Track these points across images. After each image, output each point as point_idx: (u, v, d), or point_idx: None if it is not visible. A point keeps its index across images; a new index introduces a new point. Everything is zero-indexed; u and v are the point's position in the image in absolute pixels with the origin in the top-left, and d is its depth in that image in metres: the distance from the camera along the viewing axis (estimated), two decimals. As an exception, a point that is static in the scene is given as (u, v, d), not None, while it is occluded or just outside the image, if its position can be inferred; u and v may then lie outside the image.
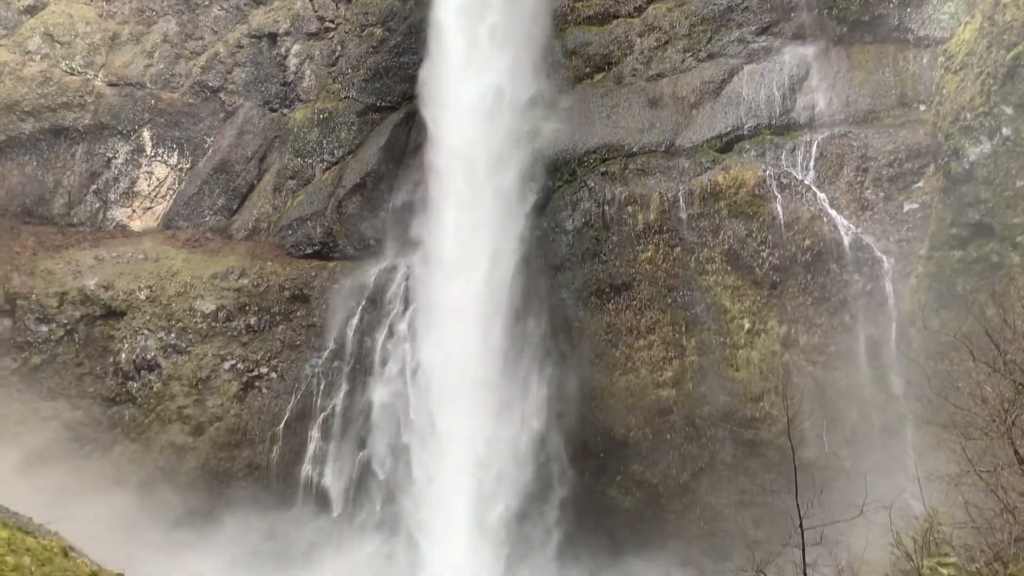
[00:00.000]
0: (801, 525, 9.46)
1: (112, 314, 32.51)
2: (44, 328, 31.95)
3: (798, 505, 9.69)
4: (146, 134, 35.97)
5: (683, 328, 29.54)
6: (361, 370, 31.23)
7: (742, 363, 28.75)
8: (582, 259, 31.42)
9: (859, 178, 28.29)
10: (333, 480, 29.90)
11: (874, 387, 25.96)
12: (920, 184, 27.19)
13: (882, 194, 27.77)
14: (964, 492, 9.91)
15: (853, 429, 25.87)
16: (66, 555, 15.50)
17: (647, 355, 29.77)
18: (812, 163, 29.13)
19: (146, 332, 32.19)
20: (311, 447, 30.46)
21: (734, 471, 27.94)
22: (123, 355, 31.90)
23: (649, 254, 30.61)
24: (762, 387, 28.09)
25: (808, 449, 24.21)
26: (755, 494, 25.64)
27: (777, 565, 9.44)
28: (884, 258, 26.44)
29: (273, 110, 36.23)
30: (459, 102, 31.13)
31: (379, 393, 30.62)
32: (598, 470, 29.16)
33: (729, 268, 29.62)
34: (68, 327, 32.04)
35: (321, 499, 29.92)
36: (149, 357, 31.88)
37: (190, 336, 32.19)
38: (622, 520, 28.65)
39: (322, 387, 31.07)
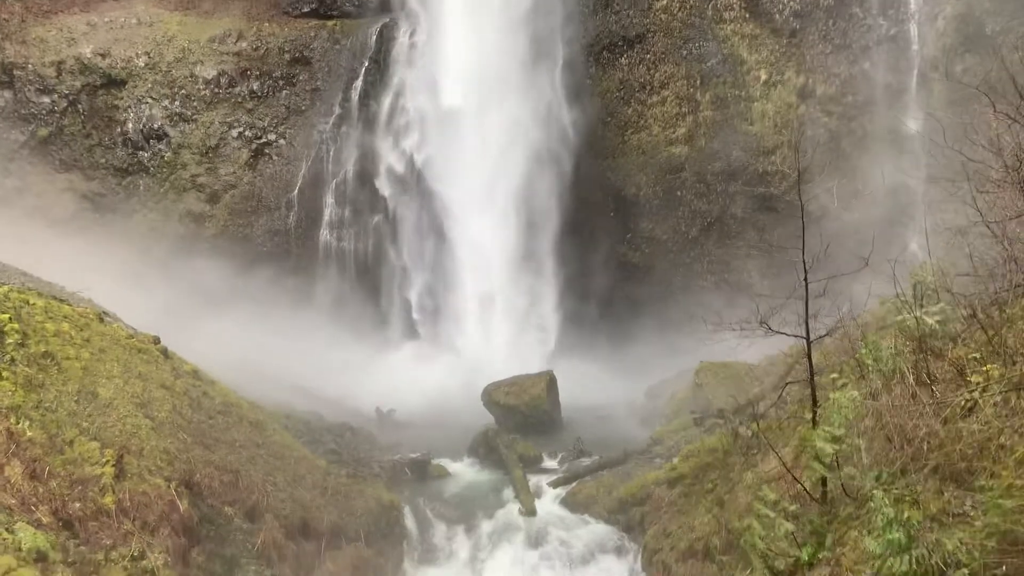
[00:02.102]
0: (806, 278, 9.72)
1: (113, 83, 31.90)
2: (46, 99, 31.50)
3: (804, 259, 9.90)
4: None
5: (698, 82, 28.73)
6: (369, 133, 30.94)
7: (757, 117, 28.24)
8: (593, 10, 29.96)
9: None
10: (351, 244, 30.66)
11: (888, 139, 25.62)
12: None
13: (914, -74, 25.74)
14: (970, 243, 10.08)
15: (864, 182, 25.88)
16: (101, 320, 16.35)
17: (660, 111, 29.22)
18: None
19: (150, 100, 31.74)
20: (327, 213, 30.92)
21: (743, 225, 28.39)
22: (130, 125, 31.68)
23: (664, 2, 29.11)
24: (775, 141, 27.79)
25: (817, 203, 24.40)
26: (763, 248, 26.21)
27: (781, 316, 9.85)
28: (912, -1, 25.02)
29: None
30: None
31: (388, 157, 30.56)
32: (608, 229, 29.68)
33: (748, 16, 28.26)
34: (70, 97, 31.57)
35: (341, 262, 30.85)
36: (156, 126, 31.68)
37: (194, 103, 31.74)
38: (630, 276, 29.60)
39: (332, 153, 30.97)
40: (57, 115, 31.54)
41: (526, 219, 29.29)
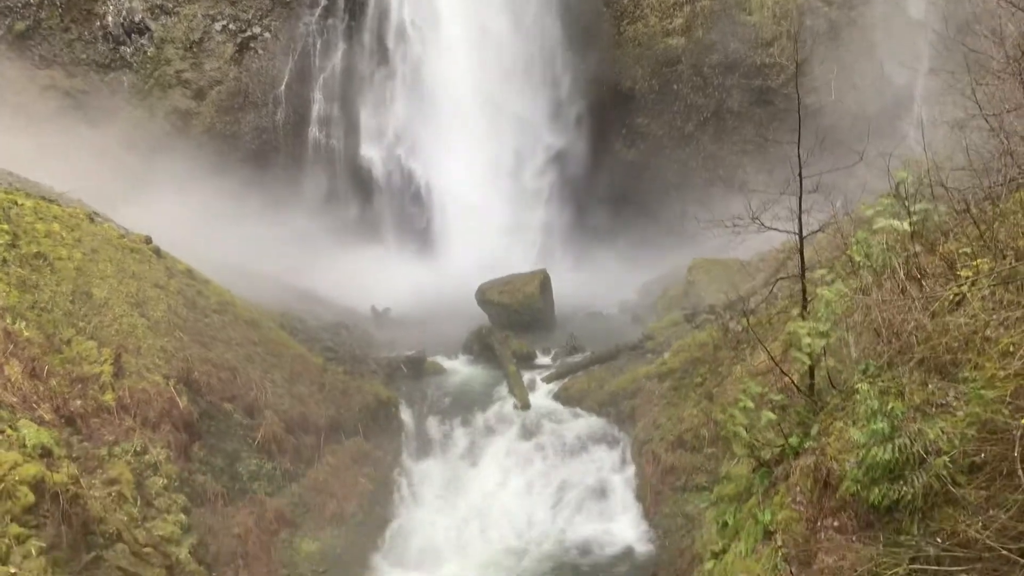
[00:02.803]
0: (800, 173, 9.65)
1: (88, -27, 30.62)
2: (20, -9, 30.30)
3: (799, 153, 9.81)
4: None
5: (696, -31, 27.74)
6: (356, 28, 30.01)
7: (755, 7, 27.42)
8: None
9: None
10: (340, 142, 30.14)
11: (889, 30, 24.97)
12: None
13: None
14: (967, 137, 9.96)
15: (862, 74, 25.37)
16: (92, 221, 16.24)
17: (657, 0, 28.33)
18: None
19: (128, -8, 30.55)
20: (315, 109, 30.27)
21: (739, 120, 27.95)
22: (109, 18, 30.57)
23: None
24: (774, 32, 27.07)
25: (815, 96, 23.99)
26: (758, 143, 25.90)
27: (773, 212, 9.83)
28: None
29: None
30: None
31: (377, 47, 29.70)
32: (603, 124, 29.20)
33: (748, -101, 27.08)
34: (45, -11, 30.36)
35: (330, 159, 30.41)
36: (137, 20, 30.60)
37: (175, -5, 30.60)
38: (625, 172, 29.32)
39: (318, 47, 30.09)
40: (34, 7, 30.41)
41: (516, 122, 28.74)
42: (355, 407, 16.93)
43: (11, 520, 10.12)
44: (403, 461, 16.98)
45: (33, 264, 13.90)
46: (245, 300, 18.27)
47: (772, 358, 10.47)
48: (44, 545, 10.21)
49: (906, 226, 8.46)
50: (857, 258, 9.05)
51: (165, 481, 12.67)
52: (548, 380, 19.82)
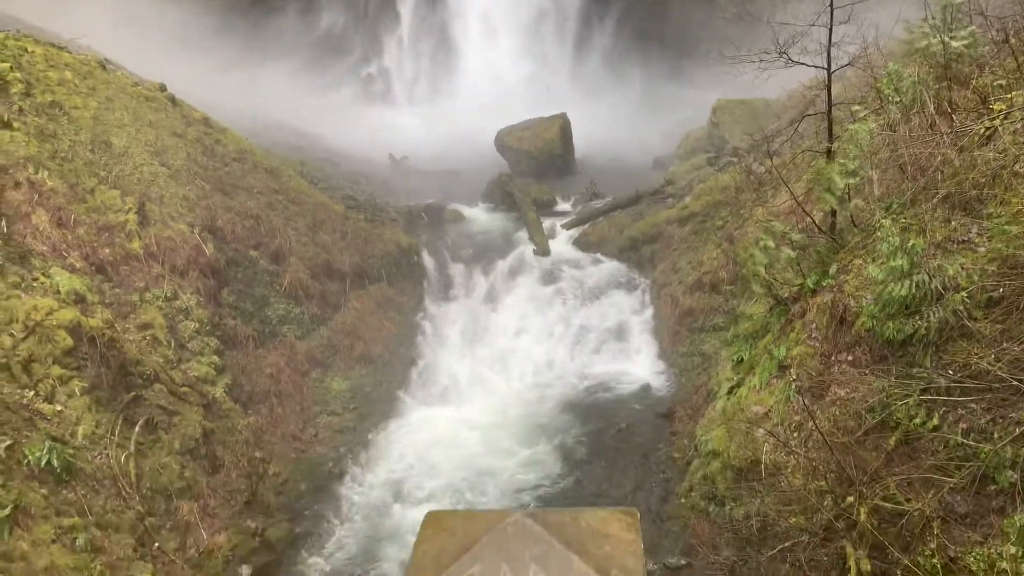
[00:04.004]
0: (832, 3, 9.20)
1: None
2: None
3: (832, -19, 9.31)
4: None
5: None
6: None
7: None
8: None
9: None
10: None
11: None
12: None
13: None
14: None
15: None
16: (104, 68, 15.94)
17: None
18: None
19: None
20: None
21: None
22: None
23: None
24: None
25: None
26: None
27: (802, 46, 9.43)
28: None
29: None
30: None
31: None
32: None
33: None
34: None
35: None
36: None
37: None
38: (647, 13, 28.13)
39: None
40: None
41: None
42: (378, 254, 17.14)
43: (53, 362, 10.56)
44: (426, 306, 17.35)
45: (49, 113, 13.79)
46: (263, 149, 18.17)
47: (795, 198, 10.38)
48: (86, 385, 10.70)
49: (954, 43, 8.09)
50: (887, 91, 8.77)
51: (197, 325, 13.07)
52: (568, 226, 19.86)
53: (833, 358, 8.36)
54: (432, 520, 1.48)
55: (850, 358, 8.19)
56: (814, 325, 8.78)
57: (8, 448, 9.40)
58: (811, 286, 9.07)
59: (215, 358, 13.03)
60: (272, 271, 15.05)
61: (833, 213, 9.44)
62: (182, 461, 11.27)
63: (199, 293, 13.34)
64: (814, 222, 9.96)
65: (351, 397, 14.49)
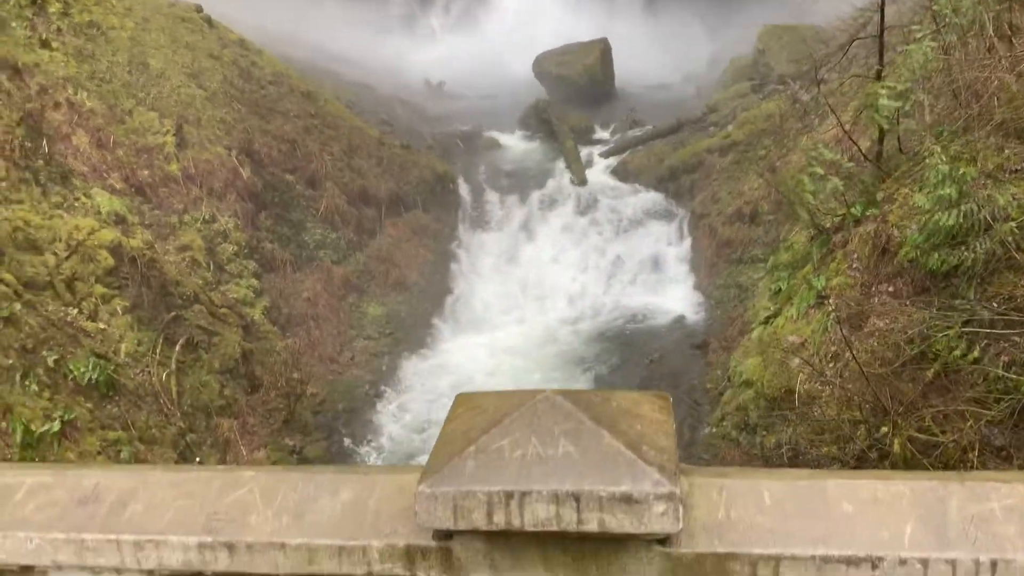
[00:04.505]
0: (890, -82, 8.75)
1: None
2: None
3: None
4: None
5: None
6: None
7: None
8: None
9: None
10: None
11: None
12: None
13: None
14: None
15: None
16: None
17: None
18: None
19: None
20: None
21: None
22: None
23: None
24: None
25: None
26: None
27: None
28: None
29: None
30: None
31: None
32: None
33: None
34: None
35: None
36: None
37: None
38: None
39: None
40: None
41: None
42: (413, 181, 17.08)
43: (95, 281, 10.77)
44: (460, 234, 17.33)
45: (87, 33, 13.77)
46: (299, 72, 18.03)
47: (841, 125, 10.07)
48: (127, 304, 10.91)
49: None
50: (946, 12, 8.39)
51: (235, 248, 13.21)
52: (606, 155, 19.57)
53: (873, 289, 8.21)
54: (462, 399, 1.48)
55: (891, 289, 8.04)
56: (856, 255, 8.61)
57: (55, 363, 9.67)
58: (855, 215, 8.86)
59: (253, 281, 13.19)
60: (308, 196, 15.08)
61: (880, 140, 9.15)
62: (222, 380, 11.53)
63: (237, 216, 13.44)
64: (860, 150, 9.68)
65: (386, 322, 14.63)
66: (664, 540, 1.36)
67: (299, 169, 15.10)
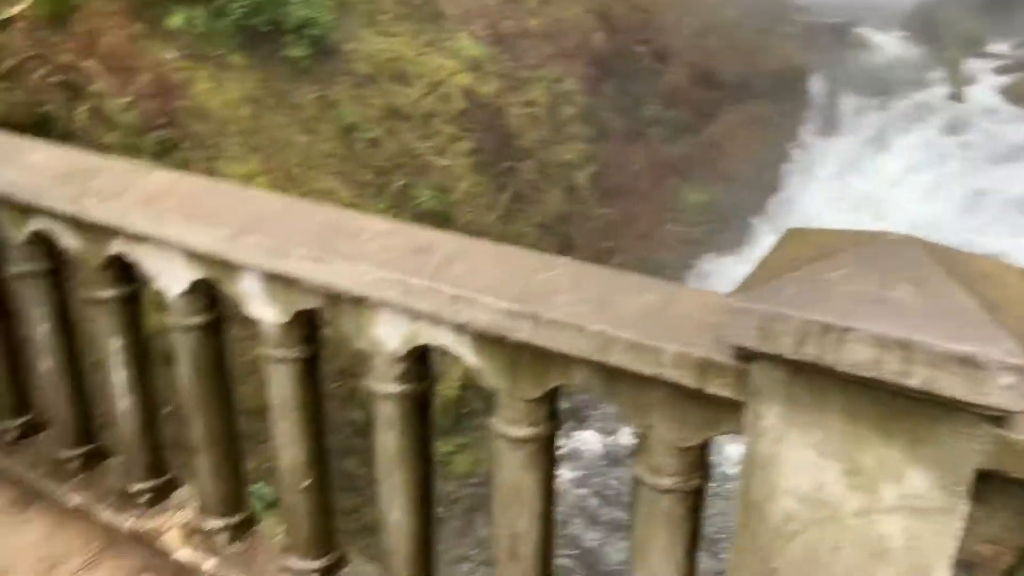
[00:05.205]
0: None
1: None
2: None
3: None
4: None
5: None
6: None
7: None
8: None
9: None
10: None
11: None
12: None
13: None
14: None
15: None
16: None
17: None
18: None
19: None
20: None
21: None
22: None
23: None
24: None
25: None
26: None
27: None
28: None
29: None
30: None
31: None
32: None
33: None
34: None
35: None
36: None
37: None
38: None
39: None
40: None
41: None
42: (763, 70, 16.13)
43: (447, 120, 11.66)
44: (801, 134, 16.22)
45: None
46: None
47: None
48: (471, 147, 11.73)
49: None
50: None
51: (575, 111, 13.53)
52: (998, 72, 16.96)
53: None
54: (793, 233, 1.31)
55: None
56: None
57: (403, 187, 10.75)
58: None
59: (585, 146, 13.49)
60: (653, 70, 14.89)
61: None
62: (539, 233, 12.12)
63: (582, 80, 13.67)
64: None
65: (704, 211, 14.33)
66: (999, 419, 1.18)
67: (649, 41, 14.90)
